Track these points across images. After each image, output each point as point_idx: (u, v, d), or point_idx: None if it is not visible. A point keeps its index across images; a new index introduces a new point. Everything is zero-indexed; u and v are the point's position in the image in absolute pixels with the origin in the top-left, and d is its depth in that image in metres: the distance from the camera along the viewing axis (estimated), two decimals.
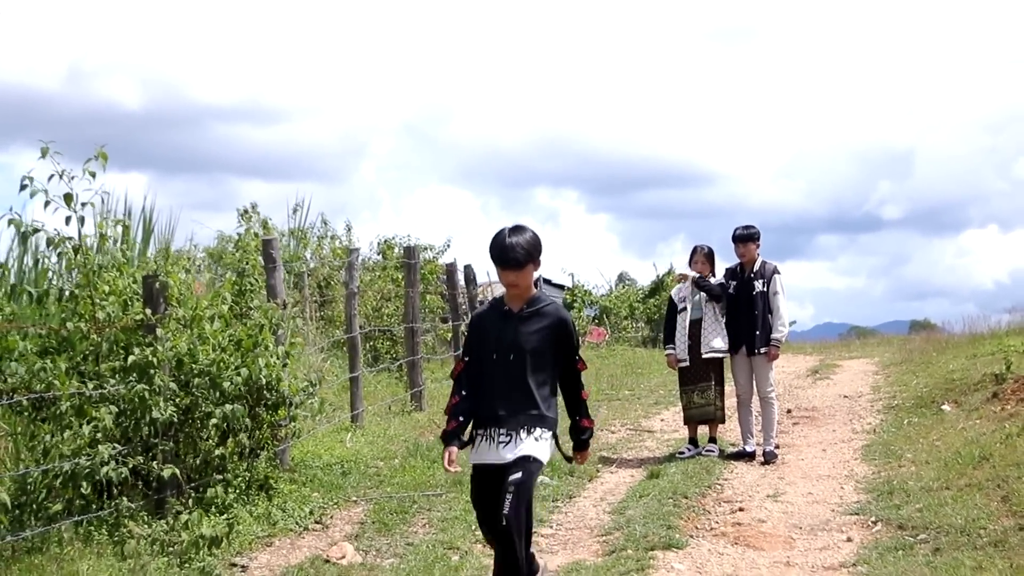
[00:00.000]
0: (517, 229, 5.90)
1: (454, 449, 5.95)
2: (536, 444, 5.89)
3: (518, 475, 5.78)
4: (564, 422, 6.26)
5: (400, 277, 18.87)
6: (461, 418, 5.99)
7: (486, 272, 21.25)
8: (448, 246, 24.25)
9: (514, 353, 5.90)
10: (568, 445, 6.40)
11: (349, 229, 23.33)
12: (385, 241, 23.44)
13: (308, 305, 17.59)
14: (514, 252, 5.82)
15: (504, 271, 5.91)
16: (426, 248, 23.40)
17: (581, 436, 6.32)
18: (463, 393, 6.03)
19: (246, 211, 21.47)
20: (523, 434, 5.88)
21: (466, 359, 6.13)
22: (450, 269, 17.87)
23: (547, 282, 41.00)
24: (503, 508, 5.72)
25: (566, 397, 6.20)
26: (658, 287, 31.04)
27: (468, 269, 19.08)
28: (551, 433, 6.00)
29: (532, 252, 5.89)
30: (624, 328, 30.51)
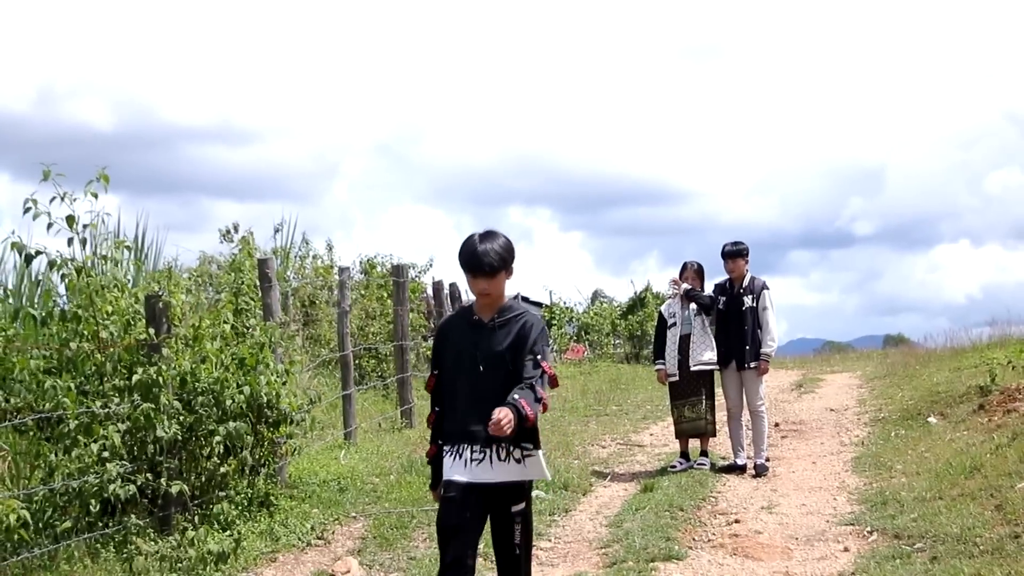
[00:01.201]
0: (489, 235, 5.52)
1: (439, 493, 5.57)
2: (527, 466, 5.46)
3: (522, 505, 5.51)
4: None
5: (386, 296, 18.92)
6: (439, 441, 5.64)
7: (465, 292, 21.32)
8: (431, 264, 24.30)
9: (485, 365, 5.49)
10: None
11: (331, 248, 23.29)
12: (368, 260, 23.46)
13: (293, 324, 17.62)
14: (487, 258, 5.42)
15: (475, 279, 5.50)
16: (410, 267, 23.43)
17: (509, 400, 5.22)
18: (437, 409, 5.70)
19: (228, 231, 21.45)
20: (500, 452, 5.42)
21: (435, 372, 5.73)
22: (436, 287, 17.99)
23: (525, 299, 41.11)
24: (513, 539, 5.48)
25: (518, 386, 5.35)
26: (636, 304, 31.14)
27: (453, 287, 19.19)
28: (536, 447, 5.50)
29: (505, 258, 5.50)
30: (606, 345, 30.63)
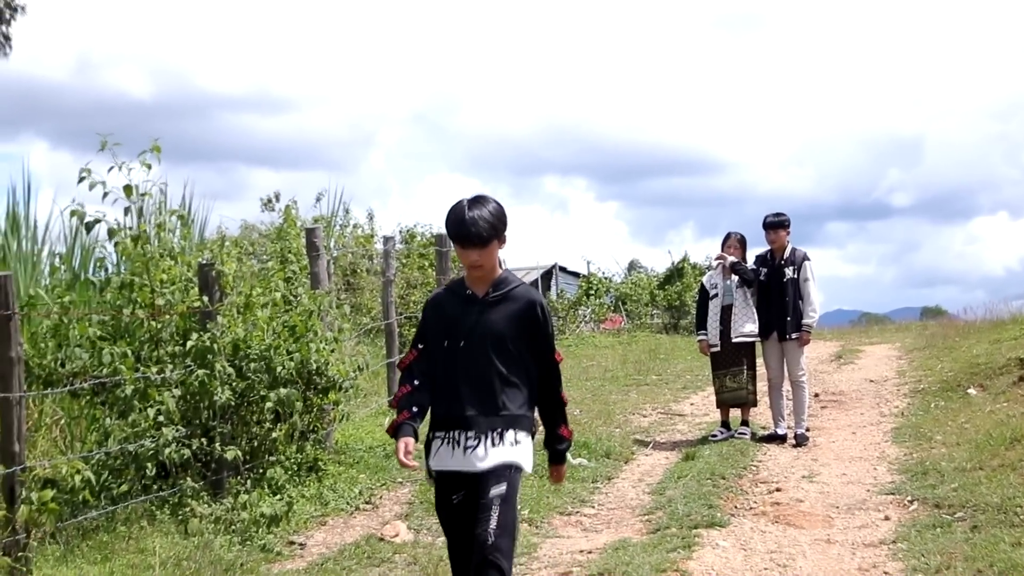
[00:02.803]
0: (479, 200, 5.04)
1: (410, 440, 5.04)
2: (514, 449, 5.05)
3: (501, 488, 4.97)
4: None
5: (427, 265, 19.09)
6: (415, 408, 5.11)
7: (503, 262, 21.38)
8: None
9: (480, 344, 5.05)
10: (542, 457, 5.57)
11: (371, 217, 23.52)
12: (408, 229, 23.66)
13: (336, 294, 17.83)
14: (476, 227, 4.95)
15: (465, 249, 5.02)
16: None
17: (558, 447, 5.42)
18: (415, 383, 5.15)
19: (269, 200, 21.68)
20: (495, 438, 5.03)
21: (419, 346, 5.23)
22: None
23: (563, 270, 41.21)
24: (488, 525, 4.92)
25: (541, 399, 5.26)
26: (674, 274, 31.20)
27: None
28: (529, 436, 5.17)
29: (497, 226, 5.03)
30: (644, 315, 30.72)
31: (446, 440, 5.05)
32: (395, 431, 5.10)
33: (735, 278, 11.91)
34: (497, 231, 5.03)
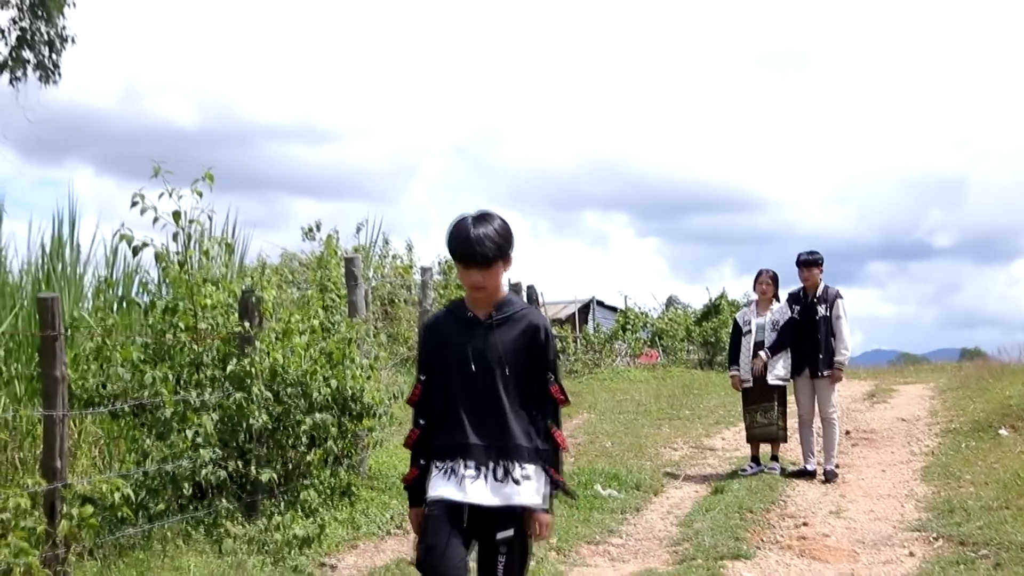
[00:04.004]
0: (484, 218, 4.67)
1: (422, 512, 4.72)
2: (521, 487, 4.66)
3: (509, 533, 4.64)
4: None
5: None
6: (422, 461, 4.78)
7: (541, 294, 21.55)
8: None
9: (484, 369, 4.71)
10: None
11: (410, 248, 23.73)
12: (447, 260, 23.84)
13: (373, 323, 18.03)
14: (481, 246, 4.59)
15: (467, 269, 4.68)
16: None
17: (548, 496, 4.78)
18: (422, 423, 4.83)
19: (310, 229, 21.93)
20: (499, 472, 4.67)
21: (422, 378, 4.87)
22: (514, 289, 18.29)
23: (600, 304, 41.29)
24: (495, 571, 4.65)
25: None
26: (711, 311, 31.24)
27: (531, 290, 19.49)
28: (538, 467, 4.72)
29: (503, 246, 4.66)
30: (679, 350, 30.78)
31: (443, 471, 4.69)
32: (409, 495, 4.90)
33: (768, 316, 11.98)
34: (503, 251, 4.67)
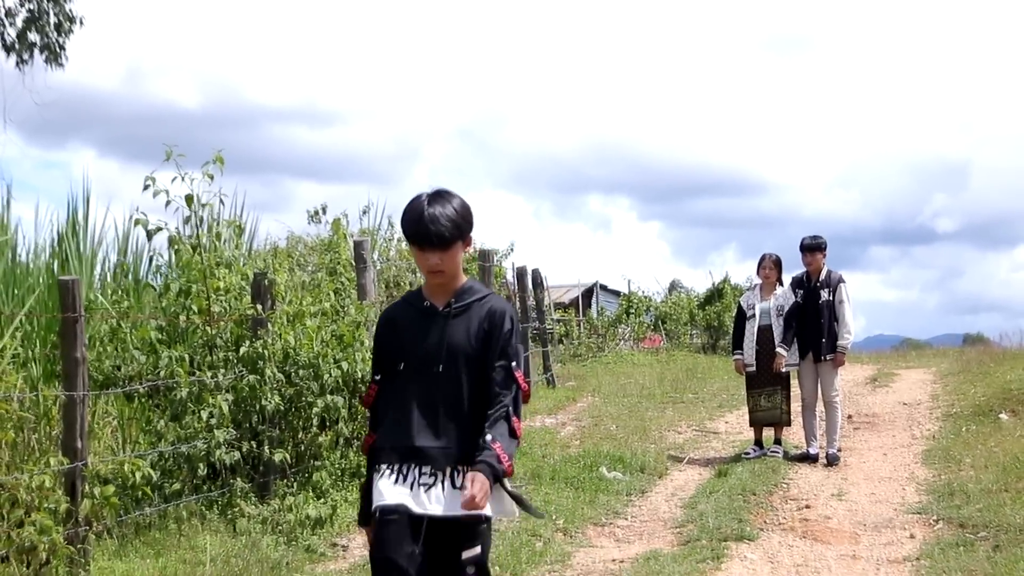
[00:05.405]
0: (440, 196, 4.32)
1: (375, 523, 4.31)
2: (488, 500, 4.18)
3: (476, 551, 4.27)
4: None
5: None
6: (376, 463, 4.39)
7: (546, 278, 21.62)
8: (512, 249, 24.67)
9: (442, 363, 4.32)
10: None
11: None
12: None
13: (381, 305, 18.11)
14: (436, 225, 4.22)
15: (423, 252, 4.29)
16: (493, 252, 23.81)
17: (483, 456, 4.21)
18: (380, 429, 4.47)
19: (316, 212, 21.98)
20: (457, 479, 4.27)
21: (377, 377, 4.51)
22: (520, 272, 18.39)
23: (604, 288, 41.43)
24: None
25: (487, 415, 4.31)
26: (714, 295, 31.35)
27: (536, 273, 19.58)
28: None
29: (461, 226, 4.30)
30: (683, 334, 30.89)
31: (394, 472, 4.30)
32: (360, 517, 4.59)
33: (772, 301, 12.07)
34: (461, 231, 4.31)
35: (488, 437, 4.20)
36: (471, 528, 4.24)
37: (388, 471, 4.28)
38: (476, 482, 4.08)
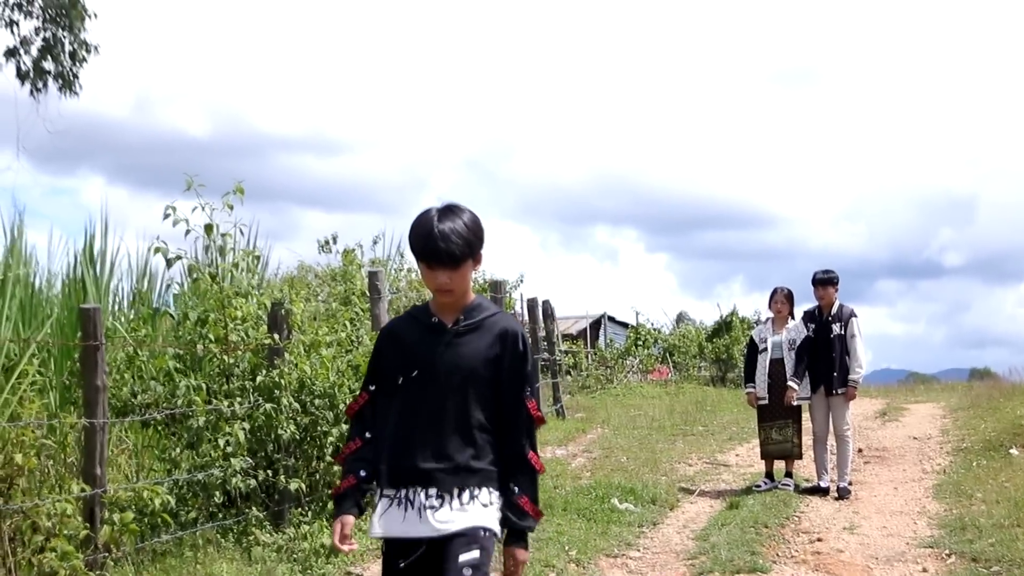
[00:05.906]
0: (451, 210, 4.09)
1: (349, 519, 4.15)
2: (488, 511, 4.12)
3: (474, 554, 4.04)
4: None
5: None
6: (363, 472, 4.16)
7: (556, 309, 21.71)
8: (522, 281, 24.73)
9: (446, 383, 4.12)
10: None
11: None
12: None
13: None
14: (447, 243, 4.00)
15: (432, 270, 4.08)
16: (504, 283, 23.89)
17: (517, 521, 4.18)
18: (367, 436, 4.22)
19: (327, 242, 22.06)
20: (464, 497, 4.10)
21: (371, 388, 4.28)
22: (531, 304, 18.46)
23: (612, 320, 41.44)
24: None
25: (504, 455, 4.19)
26: (722, 327, 31.39)
27: (547, 304, 19.66)
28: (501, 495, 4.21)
29: (472, 243, 4.08)
30: (691, 367, 30.92)
31: (396, 500, 4.11)
32: (337, 503, 4.25)
33: (784, 334, 12.12)
34: (472, 248, 4.08)
35: (515, 489, 4.14)
36: (472, 535, 4.05)
37: (391, 499, 4.11)
38: (518, 565, 4.16)
